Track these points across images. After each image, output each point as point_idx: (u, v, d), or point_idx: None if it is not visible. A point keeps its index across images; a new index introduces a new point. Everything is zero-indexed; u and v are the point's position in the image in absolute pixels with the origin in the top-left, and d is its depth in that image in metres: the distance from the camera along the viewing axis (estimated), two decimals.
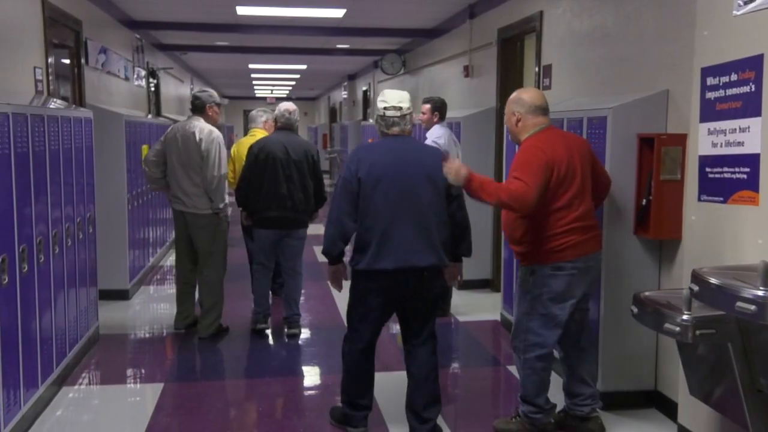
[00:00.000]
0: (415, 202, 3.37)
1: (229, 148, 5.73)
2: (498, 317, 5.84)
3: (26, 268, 3.61)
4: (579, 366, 3.62)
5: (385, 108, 3.51)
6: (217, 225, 5.20)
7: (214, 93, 5.38)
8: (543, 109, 3.45)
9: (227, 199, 5.23)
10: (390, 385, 4.34)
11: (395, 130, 3.51)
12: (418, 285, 3.43)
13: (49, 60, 5.35)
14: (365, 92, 15.31)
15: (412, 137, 3.61)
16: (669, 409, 3.83)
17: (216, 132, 5.16)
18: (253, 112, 6.15)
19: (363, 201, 3.39)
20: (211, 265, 5.25)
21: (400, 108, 3.49)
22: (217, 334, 5.35)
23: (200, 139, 5.06)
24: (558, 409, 3.70)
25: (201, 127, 5.12)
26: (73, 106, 5.39)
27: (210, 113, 5.24)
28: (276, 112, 5.41)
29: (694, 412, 3.35)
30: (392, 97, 3.53)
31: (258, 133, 5.78)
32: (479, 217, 5.83)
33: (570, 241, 3.34)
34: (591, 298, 3.66)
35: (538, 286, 3.41)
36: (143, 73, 9.41)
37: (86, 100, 6.36)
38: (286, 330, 5.40)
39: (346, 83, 17.47)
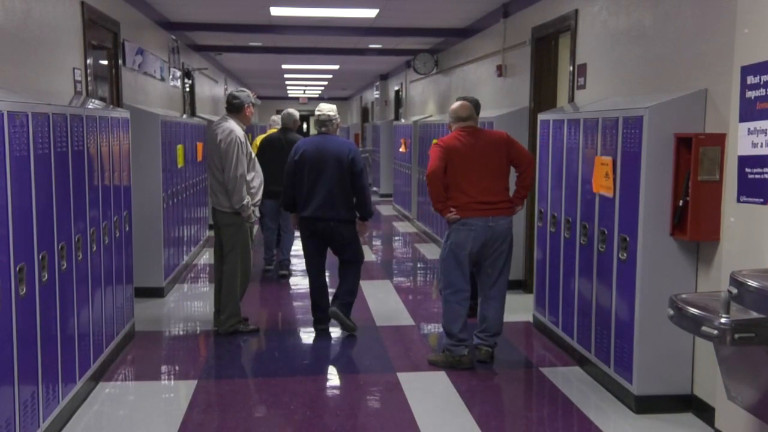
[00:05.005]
0: (326, 177, 5.18)
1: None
2: (530, 318, 5.80)
3: (65, 266, 3.68)
4: (483, 308, 4.74)
5: (318, 114, 5.38)
6: (239, 225, 5.25)
7: (251, 93, 5.50)
8: (462, 118, 4.76)
9: (247, 200, 5.16)
10: (419, 385, 4.40)
11: (323, 129, 5.38)
12: (328, 230, 5.24)
13: (88, 61, 5.45)
14: (397, 92, 15.31)
15: (334, 135, 5.41)
16: (706, 414, 3.77)
17: (236, 133, 5.14)
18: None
19: (297, 176, 5.27)
20: (228, 262, 5.32)
21: (329, 116, 5.36)
22: (245, 333, 5.38)
23: (220, 140, 5.14)
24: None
25: (224, 127, 5.19)
26: (111, 106, 5.48)
27: (248, 114, 5.38)
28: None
29: (732, 417, 3.29)
30: (323, 108, 5.40)
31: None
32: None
33: (471, 207, 4.54)
34: (500, 258, 4.66)
35: (449, 237, 4.64)
36: (178, 73, 9.53)
37: (123, 101, 6.46)
38: (278, 272, 7.47)
39: (378, 83, 17.49)
